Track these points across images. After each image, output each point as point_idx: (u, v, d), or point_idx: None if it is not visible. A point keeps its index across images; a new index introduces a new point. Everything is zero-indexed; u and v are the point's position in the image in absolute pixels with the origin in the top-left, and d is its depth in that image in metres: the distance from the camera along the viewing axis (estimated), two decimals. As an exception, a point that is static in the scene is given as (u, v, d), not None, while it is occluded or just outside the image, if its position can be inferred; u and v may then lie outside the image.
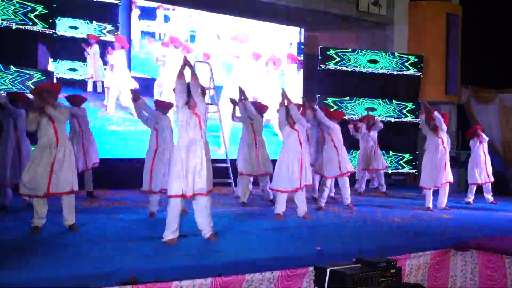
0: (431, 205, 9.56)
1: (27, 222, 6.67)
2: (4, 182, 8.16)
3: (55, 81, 10.59)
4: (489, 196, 10.84)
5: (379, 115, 13.60)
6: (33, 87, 9.72)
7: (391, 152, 13.63)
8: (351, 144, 11.98)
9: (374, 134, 11.70)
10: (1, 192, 8.28)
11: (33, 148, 8.32)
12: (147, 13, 12.39)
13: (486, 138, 10.83)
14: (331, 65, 13.70)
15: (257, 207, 9.30)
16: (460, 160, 14.43)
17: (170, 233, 6.10)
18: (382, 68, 13.99)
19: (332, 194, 10.46)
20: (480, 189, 10.90)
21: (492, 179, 10.80)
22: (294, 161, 8.01)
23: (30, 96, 7.89)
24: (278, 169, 8.12)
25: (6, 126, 8.21)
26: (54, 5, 10.35)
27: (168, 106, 8.11)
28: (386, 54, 14.06)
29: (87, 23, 11.08)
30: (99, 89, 11.51)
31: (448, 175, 9.51)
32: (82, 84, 11.17)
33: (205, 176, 6.15)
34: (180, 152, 6.13)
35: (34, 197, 6.50)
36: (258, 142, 9.42)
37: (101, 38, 11.30)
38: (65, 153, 6.60)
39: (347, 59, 13.77)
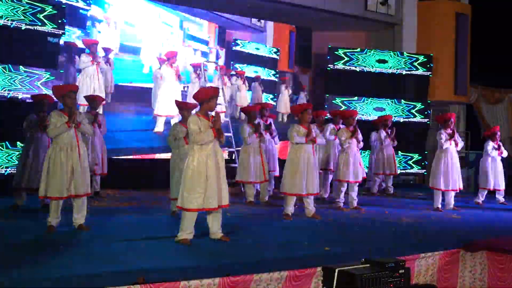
0: (439, 205, 9.53)
1: (38, 222, 6.71)
2: (22, 185, 8.22)
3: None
4: (499, 197, 10.78)
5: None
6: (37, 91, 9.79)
7: (399, 152, 13.57)
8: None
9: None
10: (17, 193, 8.34)
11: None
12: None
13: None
14: (340, 65, 13.67)
15: (265, 207, 9.30)
16: (469, 161, 14.36)
17: (185, 234, 6.12)
18: (391, 67, 13.94)
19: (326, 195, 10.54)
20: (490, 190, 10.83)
21: (503, 186, 10.72)
22: (307, 166, 8.01)
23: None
24: (288, 172, 8.10)
25: (35, 131, 8.24)
26: (63, 6, 10.42)
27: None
28: (395, 54, 14.01)
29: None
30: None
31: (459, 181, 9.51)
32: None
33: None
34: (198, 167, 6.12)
35: (55, 199, 6.51)
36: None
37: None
38: (82, 155, 6.66)
39: (355, 59, 13.73)
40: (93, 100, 9.64)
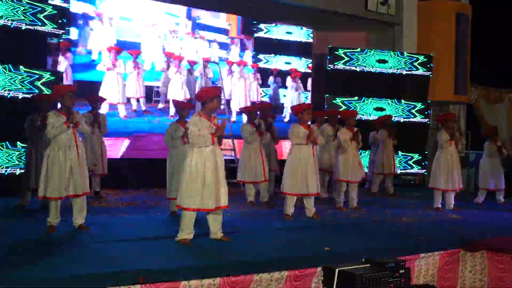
0: (440, 205, 9.53)
1: (41, 222, 6.69)
2: (29, 185, 8.24)
3: (65, 81, 10.65)
4: (500, 197, 10.77)
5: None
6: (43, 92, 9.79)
7: (400, 152, 13.57)
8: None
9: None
10: (22, 193, 8.34)
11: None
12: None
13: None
14: (340, 65, 13.67)
15: (265, 207, 9.30)
16: (469, 161, 14.36)
17: (185, 234, 6.11)
18: (391, 67, 13.94)
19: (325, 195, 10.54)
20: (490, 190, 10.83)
21: (503, 186, 10.71)
22: (307, 166, 8.01)
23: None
24: (288, 172, 8.10)
25: (35, 131, 8.23)
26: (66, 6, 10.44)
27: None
28: (395, 54, 14.01)
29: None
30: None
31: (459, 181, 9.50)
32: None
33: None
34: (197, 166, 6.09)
35: (54, 199, 6.51)
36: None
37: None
38: (81, 154, 6.67)
39: (356, 59, 13.73)
40: (93, 100, 9.65)
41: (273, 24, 13.95)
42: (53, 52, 10.95)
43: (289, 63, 14.28)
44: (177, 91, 12.19)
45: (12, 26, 9.56)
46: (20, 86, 9.63)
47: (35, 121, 8.23)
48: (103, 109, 11.28)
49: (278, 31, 14.04)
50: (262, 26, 13.81)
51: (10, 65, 9.54)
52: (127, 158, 11.55)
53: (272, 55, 13.96)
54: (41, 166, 6.62)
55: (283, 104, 13.98)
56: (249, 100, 13.43)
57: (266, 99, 13.92)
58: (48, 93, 9.41)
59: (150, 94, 12.21)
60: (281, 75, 14.11)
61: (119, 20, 11.84)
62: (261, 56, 13.79)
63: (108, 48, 11.59)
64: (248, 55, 13.60)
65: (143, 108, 12.04)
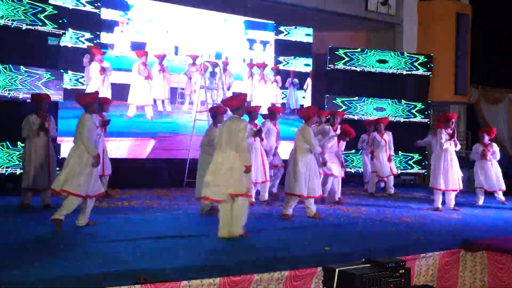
0: (440, 205, 9.54)
1: (42, 222, 6.72)
2: (27, 185, 8.24)
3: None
4: (500, 197, 10.76)
5: (388, 115, 13.57)
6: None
7: (400, 152, 13.57)
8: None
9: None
10: (23, 193, 8.35)
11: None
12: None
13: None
14: (340, 65, 13.67)
15: (265, 207, 9.31)
16: (469, 161, 14.35)
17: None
18: (391, 68, 13.94)
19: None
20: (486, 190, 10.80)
21: (503, 187, 10.69)
22: (311, 168, 8.06)
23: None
24: (292, 174, 8.11)
25: (33, 131, 8.25)
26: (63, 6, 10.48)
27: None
28: (395, 54, 14.02)
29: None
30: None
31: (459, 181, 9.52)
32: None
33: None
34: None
35: (76, 196, 6.63)
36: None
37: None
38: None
39: (356, 59, 13.73)
40: (102, 103, 9.61)
41: (293, 27, 14.13)
42: (95, 57, 11.25)
43: (308, 65, 14.43)
44: (200, 93, 12.30)
45: (12, 26, 9.57)
46: (20, 86, 9.65)
47: (32, 121, 8.23)
48: (131, 110, 11.68)
49: (298, 33, 14.24)
50: (282, 28, 14.01)
51: (10, 65, 9.55)
52: (127, 158, 11.56)
53: (292, 57, 14.14)
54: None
55: (302, 105, 13.97)
56: (270, 102, 13.61)
57: (284, 101, 14.04)
58: (46, 93, 9.43)
59: (175, 95, 12.51)
60: (300, 77, 14.31)
61: (145, 22, 12.13)
62: (281, 58, 14.00)
63: (137, 52, 11.78)
64: (270, 57, 13.92)
65: (168, 109, 12.28)
